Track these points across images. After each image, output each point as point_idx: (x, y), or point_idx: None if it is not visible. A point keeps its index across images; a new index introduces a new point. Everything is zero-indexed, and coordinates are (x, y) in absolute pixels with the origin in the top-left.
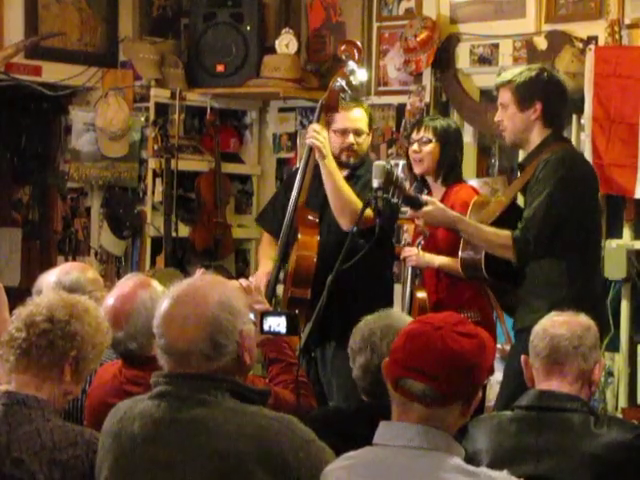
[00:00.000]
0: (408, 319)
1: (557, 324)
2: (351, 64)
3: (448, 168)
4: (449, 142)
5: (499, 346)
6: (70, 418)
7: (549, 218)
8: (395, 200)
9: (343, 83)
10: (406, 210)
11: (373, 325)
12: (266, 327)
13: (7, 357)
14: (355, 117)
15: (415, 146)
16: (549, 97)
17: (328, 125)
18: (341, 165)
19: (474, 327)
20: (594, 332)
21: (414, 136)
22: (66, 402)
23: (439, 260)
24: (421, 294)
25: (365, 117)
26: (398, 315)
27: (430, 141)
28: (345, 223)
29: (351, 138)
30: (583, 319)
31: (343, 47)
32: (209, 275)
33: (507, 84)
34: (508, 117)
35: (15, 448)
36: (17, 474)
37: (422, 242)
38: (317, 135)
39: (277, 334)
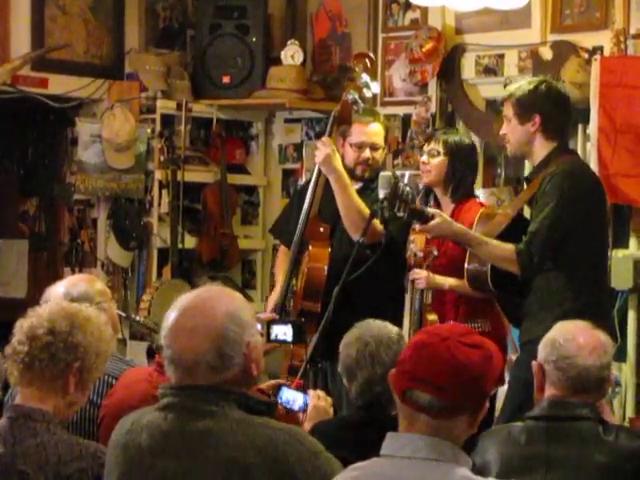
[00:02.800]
0: (388, 325)
1: (585, 351)
2: (364, 77)
3: (456, 183)
4: (458, 157)
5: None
6: (79, 429)
7: (554, 232)
8: (401, 214)
9: (356, 96)
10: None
11: (362, 336)
12: (272, 336)
13: (11, 371)
14: (372, 131)
15: (424, 157)
16: (547, 110)
17: (343, 138)
18: (355, 178)
19: (481, 338)
20: (612, 351)
21: (425, 147)
22: (72, 413)
23: (449, 282)
24: (432, 317)
25: (382, 131)
26: (376, 323)
27: (439, 154)
28: (357, 236)
29: (367, 153)
30: (603, 339)
31: (356, 59)
32: (216, 286)
33: (509, 98)
34: (511, 130)
35: (20, 462)
36: None
37: (430, 264)
38: (318, 152)
39: (283, 342)
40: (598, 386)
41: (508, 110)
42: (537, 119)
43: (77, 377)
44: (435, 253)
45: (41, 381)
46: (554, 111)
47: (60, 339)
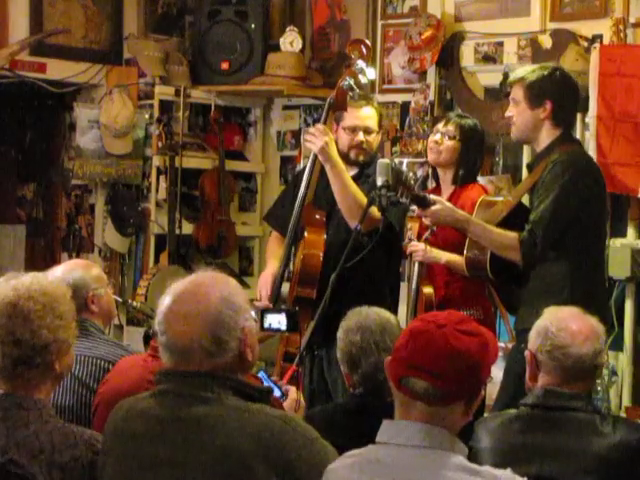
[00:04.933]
0: (385, 311)
1: (578, 340)
2: (360, 63)
3: (466, 169)
4: (472, 144)
5: (502, 344)
6: (74, 414)
7: (556, 221)
8: (403, 200)
9: (351, 82)
10: (413, 209)
11: (364, 324)
12: (266, 324)
13: None
14: (365, 115)
15: (438, 136)
16: (559, 97)
17: (337, 123)
18: (350, 163)
19: (477, 325)
20: (604, 336)
21: (440, 127)
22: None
23: (446, 256)
24: (428, 289)
25: (375, 115)
26: (374, 310)
27: (454, 137)
28: (355, 223)
29: (361, 136)
30: (595, 324)
31: (352, 45)
32: (210, 272)
33: (520, 81)
34: (518, 113)
35: (14, 452)
36: (16, 477)
37: (429, 237)
38: (316, 140)
39: (277, 331)
40: (592, 373)
41: (518, 93)
42: (548, 105)
43: (59, 357)
44: (434, 228)
45: (28, 385)
46: (565, 99)
47: (28, 346)
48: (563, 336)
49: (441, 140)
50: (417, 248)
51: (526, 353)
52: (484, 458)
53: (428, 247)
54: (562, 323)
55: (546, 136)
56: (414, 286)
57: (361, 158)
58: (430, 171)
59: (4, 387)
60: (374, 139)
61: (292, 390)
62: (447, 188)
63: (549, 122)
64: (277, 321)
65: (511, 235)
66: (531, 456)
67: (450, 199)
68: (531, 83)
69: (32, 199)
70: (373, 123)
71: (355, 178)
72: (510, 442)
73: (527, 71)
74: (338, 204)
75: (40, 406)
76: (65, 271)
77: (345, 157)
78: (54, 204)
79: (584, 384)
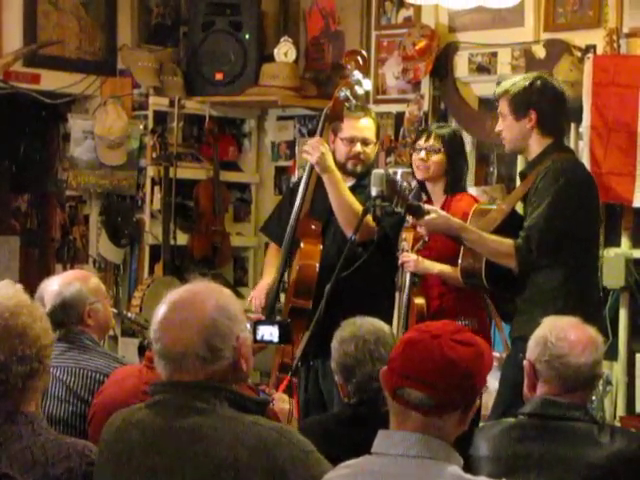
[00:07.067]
0: (379, 321)
1: (577, 350)
2: (356, 74)
3: (455, 178)
4: (456, 152)
5: (497, 354)
6: (69, 426)
7: (551, 227)
8: (398, 209)
9: (348, 93)
10: (408, 219)
11: (358, 334)
12: (259, 336)
13: None
14: (363, 126)
15: (422, 154)
16: (543, 105)
17: (334, 134)
18: (347, 174)
19: (472, 335)
20: (602, 347)
21: (421, 143)
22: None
23: (438, 267)
24: (419, 300)
25: (373, 126)
26: (368, 320)
27: (439, 151)
28: (351, 233)
29: (358, 147)
30: (594, 334)
31: (348, 56)
32: (205, 281)
33: (503, 94)
34: (506, 127)
35: (6, 466)
36: None
37: (421, 248)
38: (313, 151)
39: (270, 343)
40: (590, 383)
41: (504, 107)
42: (533, 115)
43: (44, 364)
44: (426, 239)
45: (17, 401)
46: (550, 107)
47: (14, 371)
48: (562, 346)
49: (427, 157)
50: (409, 259)
51: (525, 363)
52: (482, 466)
53: (420, 258)
54: (561, 333)
55: (537, 145)
56: (405, 297)
57: (358, 169)
58: (417, 189)
59: None
60: (372, 150)
61: (278, 398)
62: (438, 199)
63: (537, 131)
64: (269, 333)
65: (507, 242)
66: (529, 465)
67: (442, 209)
68: (513, 95)
69: (26, 210)
70: (371, 134)
71: (352, 189)
72: (508, 451)
73: (509, 84)
74: (335, 214)
75: (31, 419)
76: (62, 284)
77: (342, 168)
78: (48, 215)
79: (582, 394)
